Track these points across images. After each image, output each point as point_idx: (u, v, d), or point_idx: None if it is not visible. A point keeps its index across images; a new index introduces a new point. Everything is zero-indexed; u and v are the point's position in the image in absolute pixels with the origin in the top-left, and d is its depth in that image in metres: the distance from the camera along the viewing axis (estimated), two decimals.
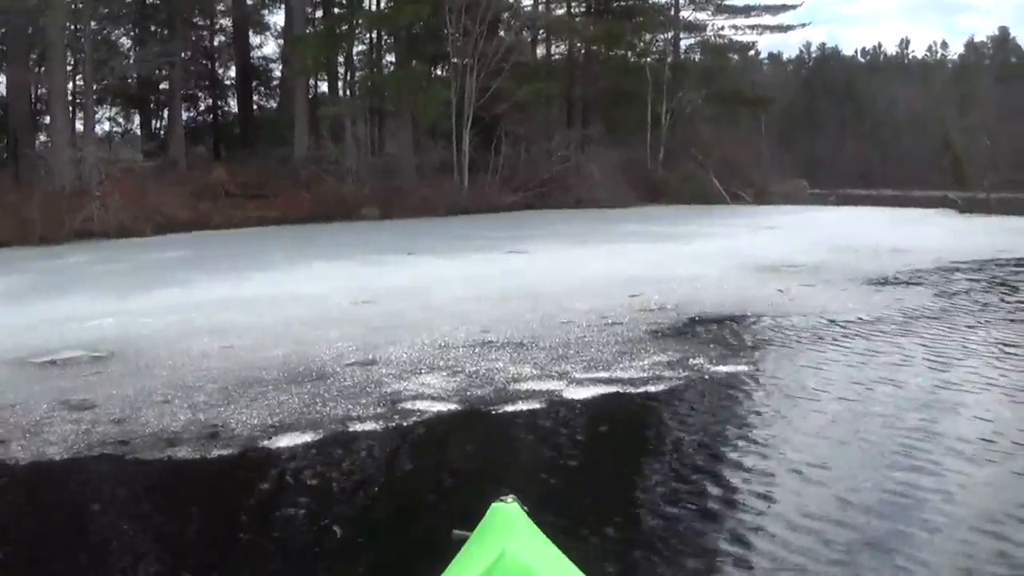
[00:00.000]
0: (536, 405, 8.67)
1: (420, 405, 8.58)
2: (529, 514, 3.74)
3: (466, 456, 7.80)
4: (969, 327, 12.47)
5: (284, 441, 7.56)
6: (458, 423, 8.28)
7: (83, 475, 7.05)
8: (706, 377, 9.69)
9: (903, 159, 70.65)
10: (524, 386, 9.28)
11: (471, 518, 3.92)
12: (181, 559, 5.71)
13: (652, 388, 9.25)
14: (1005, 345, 11.29)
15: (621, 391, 9.15)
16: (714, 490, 6.48)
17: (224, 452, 7.33)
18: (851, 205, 42.81)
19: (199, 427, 7.91)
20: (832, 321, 12.72)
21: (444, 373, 9.76)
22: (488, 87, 36.43)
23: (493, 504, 3.67)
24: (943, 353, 10.72)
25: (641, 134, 45.49)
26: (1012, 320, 13.21)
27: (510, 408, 8.58)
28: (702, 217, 33.51)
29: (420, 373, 9.76)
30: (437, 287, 15.62)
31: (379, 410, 8.41)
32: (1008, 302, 14.75)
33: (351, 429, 7.89)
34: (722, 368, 10.01)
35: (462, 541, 3.67)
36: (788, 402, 8.76)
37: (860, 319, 12.89)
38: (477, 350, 10.82)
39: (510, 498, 3.70)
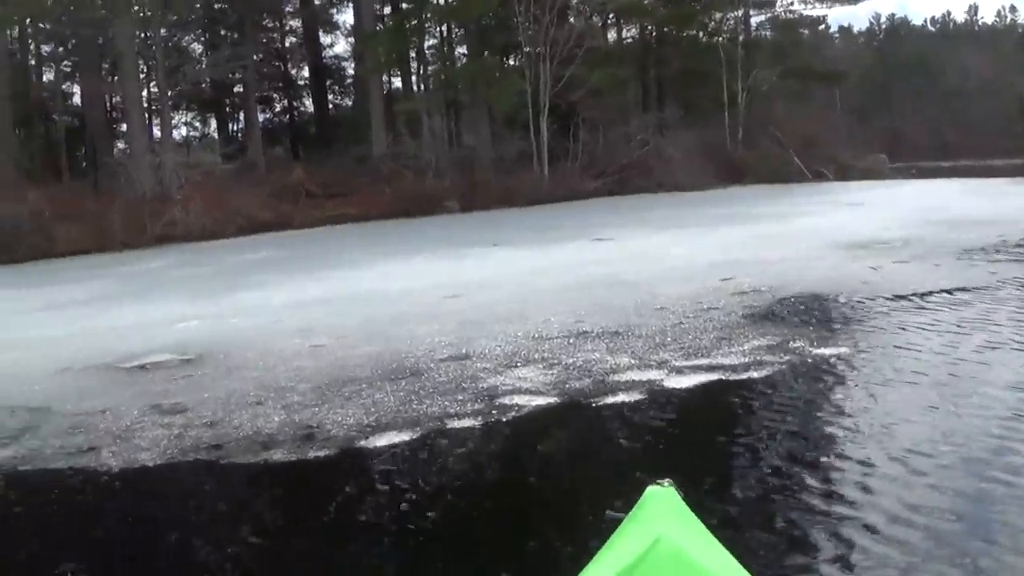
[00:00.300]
0: (637, 396, 8.28)
1: (518, 399, 8.25)
2: (684, 499, 3.63)
3: (569, 450, 7.39)
4: None
5: (382, 440, 7.28)
6: (558, 417, 7.93)
7: (177, 480, 6.86)
8: (808, 360, 9.23)
9: (975, 128, 69.00)
10: (623, 376, 8.89)
11: (581, 514, 3.63)
12: (281, 565, 5.46)
13: (755, 374, 8.83)
14: None
15: (723, 378, 8.74)
16: (814, 482, 6.13)
17: (321, 453, 7.08)
18: (932, 178, 41.89)
19: (294, 428, 7.67)
20: (927, 297, 12.23)
21: (540, 365, 9.43)
22: (562, 75, 35.97)
23: (648, 488, 3.58)
24: None
25: (718, 115, 44.69)
26: None
27: (611, 400, 8.21)
28: (785, 196, 32.87)
29: (516, 366, 9.44)
30: (525, 278, 15.33)
31: (477, 406, 8.10)
32: None
33: (449, 426, 7.59)
34: (822, 350, 9.55)
35: (616, 523, 3.58)
36: (887, 387, 8.21)
37: (955, 295, 12.37)
38: (572, 341, 10.47)
39: (666, 482, 3.62)
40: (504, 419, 7.74)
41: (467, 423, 7.65)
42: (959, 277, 13.64)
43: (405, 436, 7.35)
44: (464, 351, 10.13)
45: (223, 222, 27.65)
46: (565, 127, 37.15)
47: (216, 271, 19.08)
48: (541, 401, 8.22)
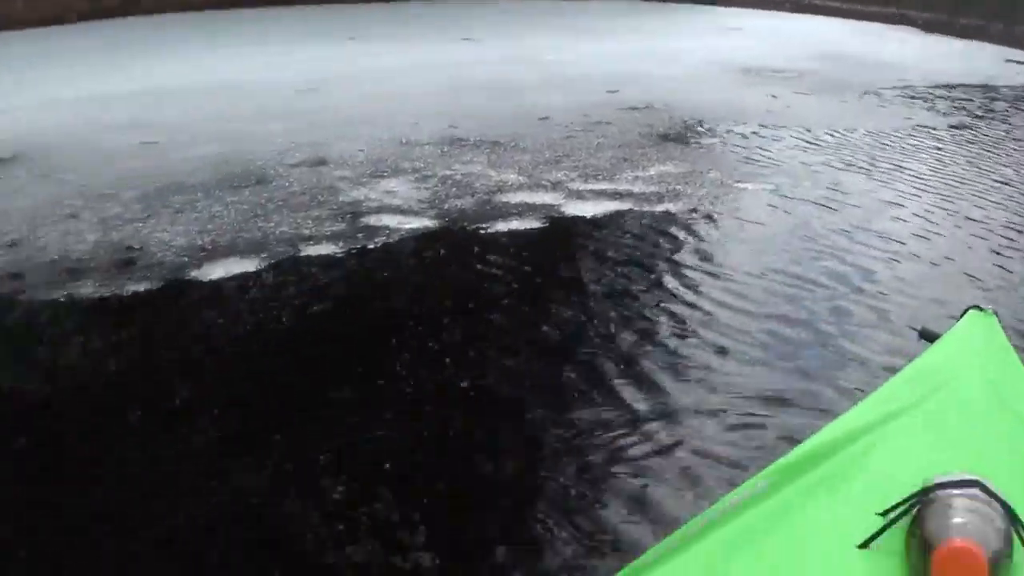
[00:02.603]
0: (533, 223, 6.98)
1: (387, 220, 6.95)
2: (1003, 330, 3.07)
3: (461, 292, 5.90)
4: (977, 155, 10.59)
5: (218, 270, 5.95)
6: (439, 245, 6.58)
7: None
8: (730, 196, 7.85)
9: None
10: (512, 197, 7.60)
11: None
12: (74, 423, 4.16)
13: (671, 207, 7.41)
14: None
15: (636, 208, 7.35)
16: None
17: (140, 287, 5.70)
18: (807, 13, 41.23)
19: (110, 250, 6.27)
20: (839, 135, 10.94)
21: (411, 178, 8.13)
22: None
23: (969, 311, 3.10)
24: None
25: None
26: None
27: (501, 226, 6.89)
28: (659, 12, 31.59)
29: (382, 176, 8.14)
30: (387, 75, 13.76)
31: (337, 226, 6.79)
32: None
33: (303, 252, 6.27)
34: (746, 186, 8.20)
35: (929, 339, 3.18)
36: (819, 224, 7.15)
37: (872, 134, 11.10)
38: (446, 149, 9.15)
39: (990, 308, 3.13)
40: (371, 246, 6.45)
41: (325, 249, 6.35)
42: (872, 116, 12.40)
43: (247, 265, 6.04)
44: (321, 155, 8.80)
45: (61, 6, 25.14)
46: None
47: (31, 58, 16.83)
48: (415, 223, 6.93)
